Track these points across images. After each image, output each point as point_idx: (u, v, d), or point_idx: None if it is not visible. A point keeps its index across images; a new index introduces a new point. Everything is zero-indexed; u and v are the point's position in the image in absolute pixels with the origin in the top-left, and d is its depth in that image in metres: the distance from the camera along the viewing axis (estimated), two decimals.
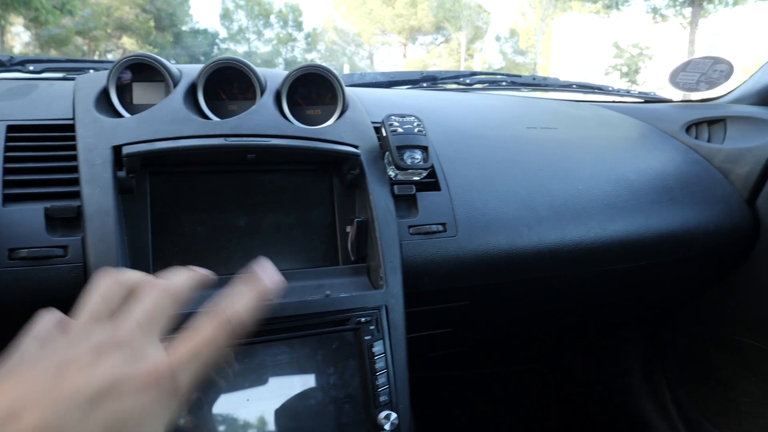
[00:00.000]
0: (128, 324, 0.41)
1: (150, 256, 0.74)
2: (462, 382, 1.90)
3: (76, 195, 0.70)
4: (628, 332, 1.63)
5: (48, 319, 0.46)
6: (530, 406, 1.94)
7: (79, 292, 0.65)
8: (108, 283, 0.45)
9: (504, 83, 1.43)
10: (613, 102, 1.47)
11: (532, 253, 0.90)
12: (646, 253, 1.02)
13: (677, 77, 1.41)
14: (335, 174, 0.84)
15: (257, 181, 0.81)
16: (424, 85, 1.36)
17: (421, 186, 0.86)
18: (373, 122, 0.89)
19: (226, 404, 0.65)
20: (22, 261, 0.64)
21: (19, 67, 1.01)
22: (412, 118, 0.85)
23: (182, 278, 0.46)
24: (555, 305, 1.08)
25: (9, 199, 0.68)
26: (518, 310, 1.05)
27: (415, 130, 0.84)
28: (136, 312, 0.42)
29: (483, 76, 1.44)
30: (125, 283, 0.45)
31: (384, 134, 0.83)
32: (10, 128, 0.74)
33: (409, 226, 0.82)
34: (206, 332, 0.42)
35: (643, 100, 1.53)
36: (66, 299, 0.65)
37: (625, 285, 1.09)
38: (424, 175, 0.85)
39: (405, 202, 0.85)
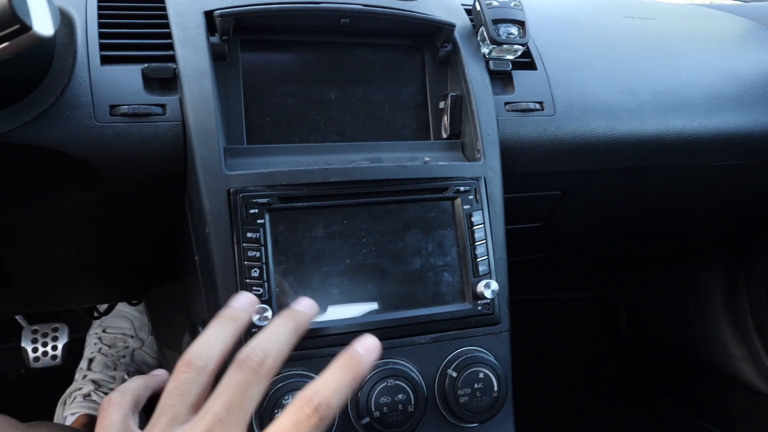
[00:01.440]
0: (208, 420, 0.39)
1: (243, 126, 0.72)
2: (533, 306, 1.88)
3: (171, 58, 0.68)
4: (711, 256, 1.56)
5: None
6: (600, 334, 1.91)
7: (178, 155, 0.66)
8: (184, 375, 0.43)
9: None
10: (712, 2, 1.37)
11: (632, 140, 0.85)
12: (754, 149, 0.95)
13: None
14: (427, 50, 0.81)
15: (348, 55, 0.78)
16: None
17: (517, 65, 0.82)
18: (462, 4, 0.85)
19: (325, 266, 0.64)
20: (123, 117, 0.64)
21: None
22: None
23: (273, 347, 0.45)
24: (650, 204, 1.03)
25: (106, 60, 0.67)
26: (611, 208, 1.01)
27: (512, 4, 0.80)
28: (214, 405, 0.40)
29: None
30: (203, 370, 0.43)
31: (478, 8, 0.79)
32: None
33: (505, 103, 0.79)
34: (293, 421, 0.40)
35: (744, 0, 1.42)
36: (165, 159, 0.65)
37: (727, 185, 1.03)
38: (520, 53, 0.81)
39: (500, 80, 0.81)
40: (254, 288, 0.60)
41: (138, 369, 1.24)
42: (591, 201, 0.96)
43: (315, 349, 0.62)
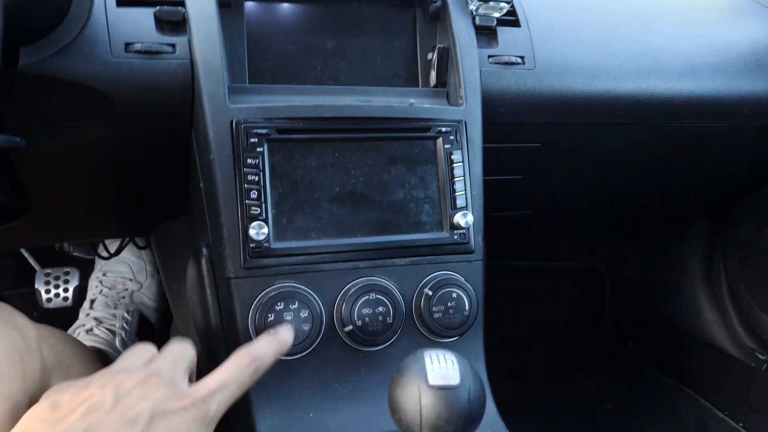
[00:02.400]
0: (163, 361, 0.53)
1: (246, 69, 0.79)
2: (518, 273, 1.95)
3: (181, 3, 0.75)
4: (692, 227, 1.63)
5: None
6: (584, 301, 1.99)
7: (186, 91, 0.72)
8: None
9: None
10: None
11: (608, 97, 0.91)
12: (725, 113, 1.01)
13: None
14: (418, 5, 0.87)
15: (345, 8, 0.84)
16: None
17: (502, 22, 0.88)
18: None
19: (317, 193, 0.71)
20: (136, 54, 0.71)
21: None
22: None
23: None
24: (628, 164, 1.10)
25: (121, 2, 0.74)
26: (589, 164, 1.07)
27: None
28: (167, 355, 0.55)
29: None
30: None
31: None
32: None
33: (489, 56, 0.85)
34: (233, 369, 0.54)
35: None
36: (175, 93, 0.72)
37: (701, 147, 1.09)
38: (505, 11, 0.87)
39: (485, 35, 0.87)
40: (253, 208, 0.67)
41: (137, 309, 1.32)
42: (570, 155, 1.02)
43: (306, 264, 0.69)
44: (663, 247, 1.73)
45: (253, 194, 0.68)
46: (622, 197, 1.32)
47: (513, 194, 1.11)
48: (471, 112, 0.79)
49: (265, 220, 0.68)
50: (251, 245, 0.67)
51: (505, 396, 0.80)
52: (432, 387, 0.43)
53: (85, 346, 0.97)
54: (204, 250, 0.73)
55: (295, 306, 0.67)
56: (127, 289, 1.33)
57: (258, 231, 0.66)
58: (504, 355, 1.88)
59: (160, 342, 1.35)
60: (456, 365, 0.44)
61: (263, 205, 0.68)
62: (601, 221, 1.74)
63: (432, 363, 0.44)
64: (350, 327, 0.69)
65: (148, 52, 0.71)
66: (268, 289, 0.67)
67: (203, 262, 0.72)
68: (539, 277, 1.97)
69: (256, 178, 0.68)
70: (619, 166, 1.12)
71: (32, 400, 0.59)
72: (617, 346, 1.89)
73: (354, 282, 0.70)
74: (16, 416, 0.54)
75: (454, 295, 0.72)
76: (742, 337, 1.52)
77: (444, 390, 0.42)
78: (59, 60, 0.68)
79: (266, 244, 0.68)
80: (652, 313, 1.81)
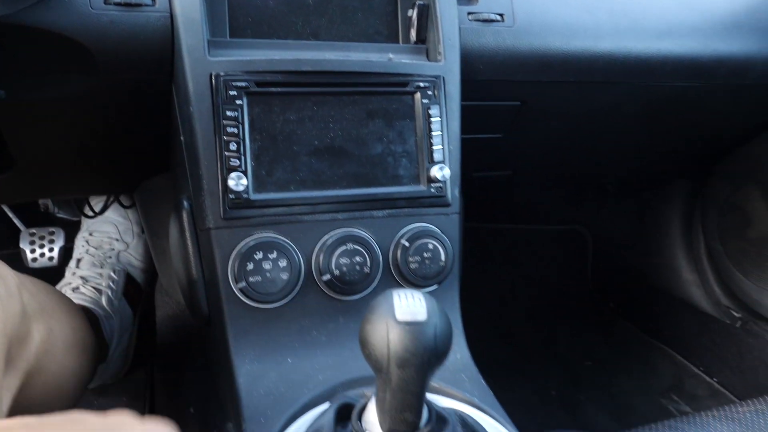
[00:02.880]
0: None
1: (227, 23, 0.79)
2: (503, 236, 1.98)
3: None
4: (673, 189, 1.65)
5: None
6: (566, 264, 2.02)
7: (166, 44, 0.73)
8: None
9: None
10: None
11: (586, 56, 0.93)
12: (702, 73, 1.03)
13: None
14: None
15: None
16: None
17: None
18: None
19: (296, 146, 0.72)
20: (116, 6, 0.71)
21: None
22: None
23: None
24: (607, 123, 1.11)
25: None
26: (569, 123, 1.09)
27: None
28: None
29: None
30: None
31: None
32: None
33: (468, 13, 0.86)
34: None
35: None
36: (154, 46, 0.72)
37: (679, 107, 1.11)
38: None
39: None
40: (232, 160, 0.69)
41: (123, 269, 1.33)
42: (549, 114, 1.04)
43: (285, 216, 0.71)
44: (644, 209, 1.77)
45: (233, 146, 0.69)
46: (602, 158, 1.34)
47: (494, 154, 1.12)
48: (449, 69, 0.80)
49: (244, 172, 0.69)
50: (230, 196, 0.69)
51: (487, 354, 0.83)
52: (400, 323, 0.44)
53: (68, 298, 0.99)
54: (185, 203, 0.74)
55: (274, 256, 0.69)
56: (113, 249, 1.35)
57: (237, 182, 0.67)
58: (486, 315, 1.92)
59: (147, 302, 1.37)
60: (423, 302, 0.46)
61: (242, 157, 0.69)
62: (582, 183, 1.76)
63: (400, 300, 0.46)
64: (328, 276, 0.71)
65: (127, 5, 0.71)
66: (247, 239, 0.69)
67: (184, 215, 0.73)
68: (522, 240, 2.01)
69: (236, 131, 0.69)
70: (599, 127, 1.14)
71: (10, 343, 0.60)
72: (598, 306, 1.93)
73: (332, 233, 0.72)
74: None
75: (431, 246, 0.75)
76: (719, 296, 1.57)
77: (411, 325, 0.44)
78: (39, 11, 0.68)
79: (245, 196, 0.69)
80: (632, 274, 1.85)
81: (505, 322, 1.85)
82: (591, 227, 1.98)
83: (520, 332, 1.83)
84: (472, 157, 0.85)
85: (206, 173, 0.69)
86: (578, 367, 1.70)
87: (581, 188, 1.90)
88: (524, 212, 2.00)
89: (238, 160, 0.69)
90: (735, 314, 1.56)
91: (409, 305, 0.45)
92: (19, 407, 0.61)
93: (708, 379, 1.59)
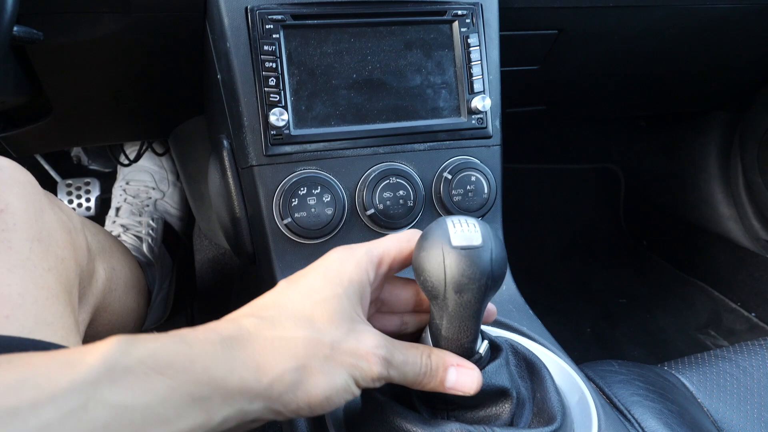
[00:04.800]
0: None
1: None
2: (534, 176, 1.95)
3: None
4: (710, 120, 1.61)
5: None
6: (599, 201, 2.00)
7: None
8: None
9: None
10: None
11: None
12: None
13: None
14: None
15: None
16: None
17: None
18: None
19: (335, 80, 0.71)
20: None
21: None
22: None
23: None
24: (646, 48, 1.07)
25: None
26: (607, 52, 1.05)
27: None
28: None
29: None
30: None
31: None
32: None
33: None
34: None
35: None
36: None
37: (722, 31, 1.06)
38: None
39: None
40: (272, 95, 0.68)
41: (161, 217, 1.35)
42: (587, 42, 1.00)
43: (326, 151, 0.71)
44: (679, 143, 1.72)
45: (272, 81, 0.68)
46: (639, 88, 1.30)
47: (529, 87, 1.10)
48: None
49: (285, 107, 0.68)
50: (272, 132, 0.68)
51: (521, 293, 0.82)
52: (455, 248, 0.44)
53: (123, 244, 1.00)
54: (225, 142, 0.74)
55: (318, 191, 0.69)
56: (150, 198, 1.36)
57: (278, 117, 0.67)
58: (519, 254, 1.92)
59: (185, 249, 1.39)
60: (477, 227, 0.45)
61: (282, 92, 0.68)
62: (615, 119, 1.72)
63: (454, 226, 0.45)
64: (372, 210, 0.70)
65: None
66: (290, 176, 0.69)
67: (225, 154, 0.73)
68: (555, 180, 1.98)
69: (274, 65, 0.68)
70: (637, 55, 1.10)
71: (81, 277, 0.62)
72: (631, 244, 1.92)
73: (374, 167, 0.72)
74: (66, 285, 0.57)
75: (473, 178, 0.74)
76: (757, 230, 1.54)
77: (467, 250, 0.44)
78: None
79: (286, 131, 0.68)
80: (666, 211, 1.82)
81: (538, 262, 1.84)
82: (623, 165, 1.95)
83: (553, 272, 1.83)
84: (507, 91, 0.83)
85: (246, 110, 0.69)
86: (612, 305, 1.71)
87: (613, 125, 1.86)
88: (556, 151, 1.97)
89: (277, 95, 0.68)
90: None
91: (464, 230, 0.45)
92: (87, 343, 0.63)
93: (746, 313, 1.58)
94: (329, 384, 0.41)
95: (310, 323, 0.42)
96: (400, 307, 0.53)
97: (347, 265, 0.46)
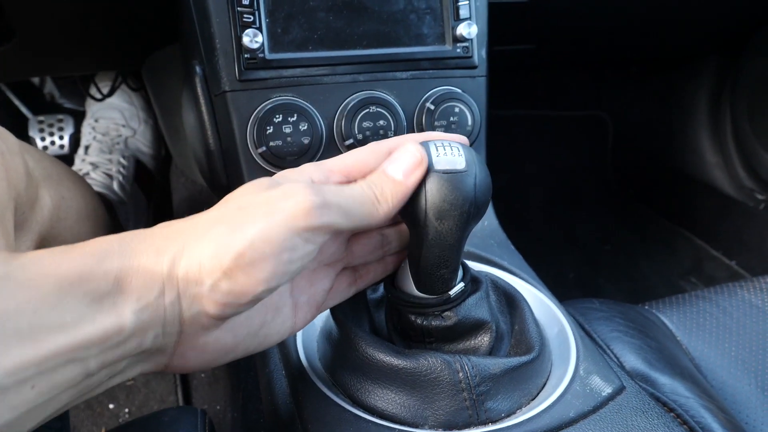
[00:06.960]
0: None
1: None
2: (522, 122, 1.92)
3: None
4: (700, 66, 1.58)
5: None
6: (587, 148, 1.98)
7: None
8: None
9: None
10: None
11: None
12: None
13: None
14: None
15: None
16: None
17: None
18: None
19: (311, 4, 0.67)
20: None
21: None
22: None
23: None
24: None
25: None
26: None
27: None
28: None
29: None
30: None
31: None
32: None
33: None
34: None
35: None
36: None
37: None
38: None
39: None
40: (245, 15, 0.64)
41: (132, 154, 1.31)
42: None
43: (303, 77, 0.67)
44: (670, 91, 1.70)
45: (246, 1, 0.64)
46: (631, 28, 1.27)
47: (519, 23, 1.05)
48: None
49: (259, 28, 0.64)
50: (245, 56, 0.64)
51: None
52: (437, 172, 0.41)
53: (75, 172, 0.96)
54: (197, 68, 0.70)
55: (294, 119, 0.66)
56: (120, 135, 1.32)
57: (252, 39, 0.63)
58: (504, 201, 1.90)
59: (159, 188, 1.36)
60: (461, 151, 0.43)
61: (256, 12, 0.64)
62: (608, 62, 1.69)
63: (437, 149, 0.43)
64: (351, 140, 0.68)
65: None
66: (265, 102, 0.66)
67: (197, 80, 0.69)
68: (542, 126, 1.95)
69: None
70: None
71: (19, 202, 0.58)
72: (618, 192, 1.91)
73: (354, 95, 0.68)
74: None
75: (457, 109, 0.71)
76: (742, 178, 1.53)
77: (449, 174, 0.41)
78: None
79: (261, 55, 0.65)
80: (654, 159, 1.81)
81: (523, 208, 1.83)
82: (612, 112, 1.92)
83: (538, 218, 1.82)
84: (495, 26, 0.79)
85: (218, 31, 0.65)
86: (596, 252, 1.71)
87: (604, 72, 1.83)
88: (544, 97, 1.93)
89: (251, 16, 0.64)
90: (758, 196, 1.53)
91: (447, 154, 0.42)
92: None
93: (727, 261, 1.59)
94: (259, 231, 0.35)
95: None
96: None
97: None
